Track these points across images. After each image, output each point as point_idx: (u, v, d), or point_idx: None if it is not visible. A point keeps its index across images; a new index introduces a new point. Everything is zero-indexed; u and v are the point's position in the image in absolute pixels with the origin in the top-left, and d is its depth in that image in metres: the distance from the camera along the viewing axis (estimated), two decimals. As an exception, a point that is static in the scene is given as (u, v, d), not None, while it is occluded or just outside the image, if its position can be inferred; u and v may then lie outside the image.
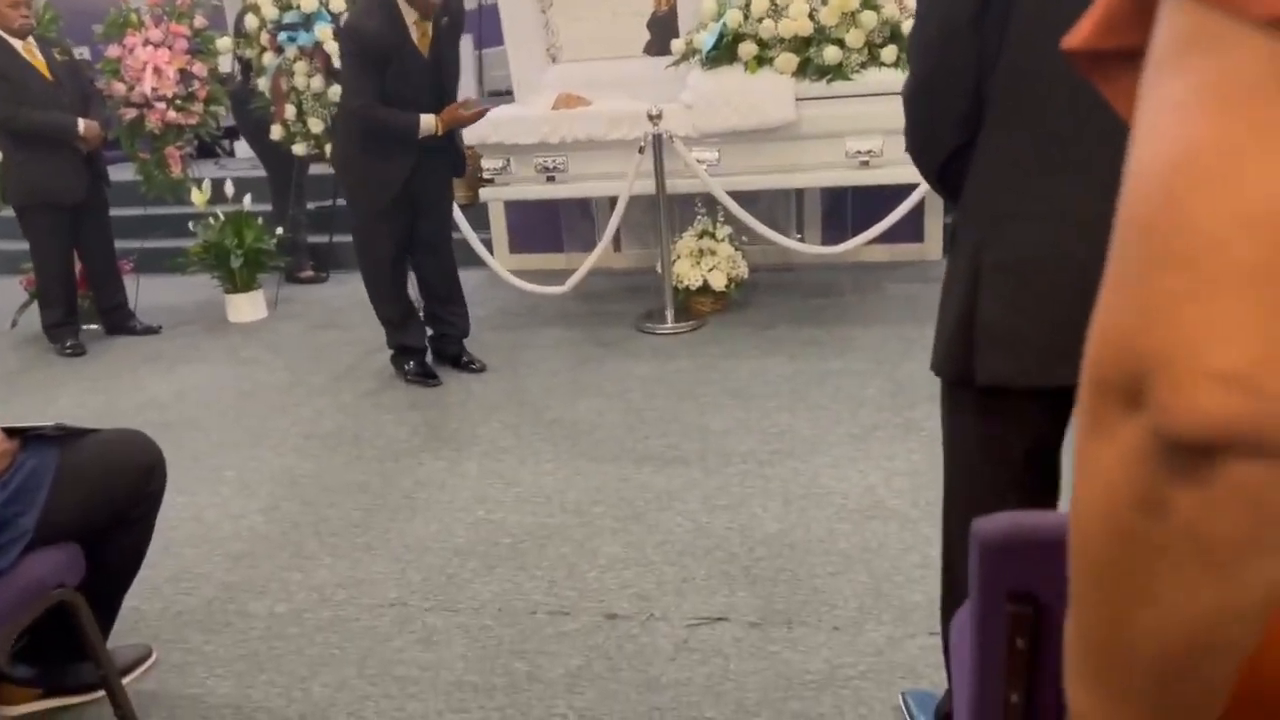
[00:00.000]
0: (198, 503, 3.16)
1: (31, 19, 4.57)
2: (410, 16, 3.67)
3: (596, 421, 3.57)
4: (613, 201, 4.66)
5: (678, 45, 4.57)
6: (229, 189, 5.17)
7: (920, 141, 1.55)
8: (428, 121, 3.72)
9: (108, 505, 2.11)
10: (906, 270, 5.12)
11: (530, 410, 3.72)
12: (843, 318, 4.51)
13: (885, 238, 4.69)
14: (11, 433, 2.04)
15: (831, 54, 4.20)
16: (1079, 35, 0.53)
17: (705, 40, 4.37)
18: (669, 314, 4.59)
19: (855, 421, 3.40)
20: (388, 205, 3.85)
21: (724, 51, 4.36)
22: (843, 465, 3.09)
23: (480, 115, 3.95)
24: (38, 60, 4.55)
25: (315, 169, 5.54)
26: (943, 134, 1.49)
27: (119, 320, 5.02)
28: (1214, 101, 0.42)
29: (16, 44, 4.50)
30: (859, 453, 3.17)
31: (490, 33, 6.98)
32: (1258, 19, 0.42)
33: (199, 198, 5.04)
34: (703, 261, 4.66)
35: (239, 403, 4.04)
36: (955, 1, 1.39)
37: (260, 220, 5.18)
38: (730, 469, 3.12)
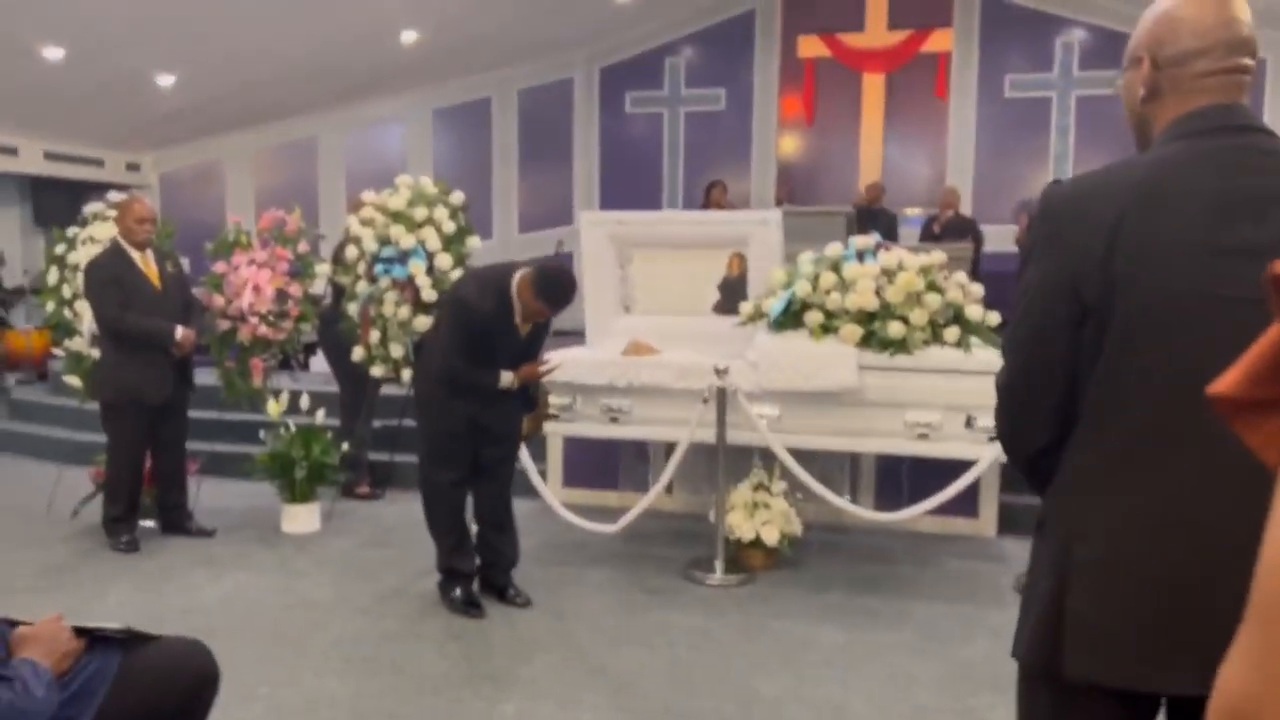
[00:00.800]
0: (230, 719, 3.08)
1: (153, 233, 4.95)
2: (518, 312, 3.92)
3: (640, 673, 3.48)
4: (669, 446, 4.75)
5: (746, 308, 4.79)
6: (304, 402, 5.36)
7: (1012, 432, 1.58)
8: (506, 378, 3.96)
9: (158, 714, 2.09)
10: (960, 545, 5.07)
11: (574, 653, 3.64)
12: (898, 589, 4.43)
13: (939, 510, 4.68)
14: (80, 632, 2.06)
15: (895, 329, 4.37)
16: (1227, 383, 0.58)
17: (774, 306, 4.58)
18: (718, 565, 4.56)
19: (912, 702, 3.27)
20: (457, 428, 3.98)
21: (790, 318, 4.56)
22: (896, 748, 2.96)
23: (551, 370, 4.18)
24: (150, 270, 4.89)
25: (385, 390, 5.75)
26: (1035, 427, 1.52)
27: (176, 520, 5.10)
28: None
29: (135, 254, 4.86)
30: (913, 735, 3.03)
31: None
32: None
33: (274, 409, 5.23)
34: (757, 514, 4.67)
35: (282, 616, 4.01)
36: (1053, 304, 1.44)
37: (329, 434, 5.33)
38: (778, 740, 3.00)
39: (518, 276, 3.89)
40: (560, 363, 4.26)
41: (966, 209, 10.00)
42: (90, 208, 5.58)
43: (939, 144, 10.88)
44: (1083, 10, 10.16)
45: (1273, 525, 0.54)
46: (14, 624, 2.00)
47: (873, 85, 11.02)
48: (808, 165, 11.29)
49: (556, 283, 3.82)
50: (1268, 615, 0.53)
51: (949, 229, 9.00)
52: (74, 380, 5.39)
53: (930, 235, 9.16)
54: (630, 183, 11.16)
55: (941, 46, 10.72)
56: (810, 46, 11.03)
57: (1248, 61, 1.43)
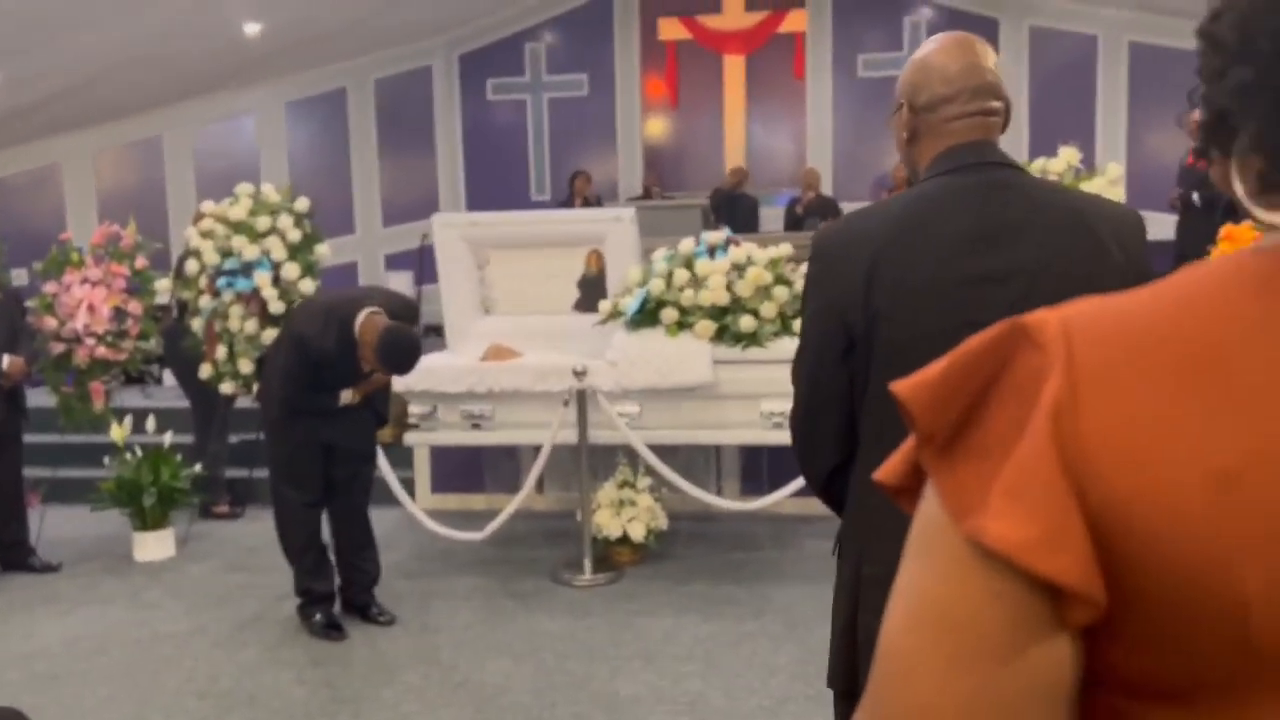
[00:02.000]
0: (72, 773, 2.96)
1: (-29, 257, 4.66)
2: (360, 353, 3.79)
3: (504, 685, 3.48)
4: (536, 448, 4.76)
5: (604, 306, 4.81)
6: (150, 424, 5.15)
7: (805, 458, 1.68)
8: (346, 396, 3.92)
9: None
10: (820, 525, 5.21)
11: (437, 671, 3.62)
12: (760, 574, 4.55)
13: (800, 493, 4.81)
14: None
15: (747, 323, 4.46)
16: (887, 471, 0.63)
17: (630, 305, 4.62)
18: (587, 564, 4.59)
19: (767, 692, 3.37)
20: (303, 448, 3.90)
21: (647, 315, 4.60)
22: (752, 741, 3.04)
23: (387, 380, 4.11)
24: (-29, 296, 4.60)
25: (241, 402, 5.57)
26: (824, 452, 1.63)
27: (17, 558, 4.84)
28: (917, 616, 0.56)
29: (-48, 280, 4.56)
30: (769, 727, 3.13)
31: (429, 271, 7.27)
32: (964, 534, 0.54)
33: (118, 433, 5.01)
34: (623, 511, 4.72)
35: (133, 653, 3.86)
36: (824, 339, 1.56)
37: (179, 456, 5.13)
38: (638, 743, 3.05)
39: (362, 316, 3.75)
40: (388, 375, 4.09)
41: (827, 188, 10.24)
42: (-99, 228, 5.20)
43: (799, 124, 11.10)
44: (927, -9, 10.48)
45: (894, 588, 0.59)
46: None
47: (733, 67, 11.14)
48: (674, 149, 11.37)
49: (400, 353, 3.71)
50: (873, 678, 0.58)
51: (811, 210, 9.21)
52: (-106, 415, 5.03)
53: (794, 217, 9.36)
54: (496, 172, 11.03)
55: (797, 27, 10.91)
56: (670, 29, 11.07)
57: (994, 104, 1.53)
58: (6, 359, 4.56)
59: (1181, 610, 0.51)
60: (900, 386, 0.59)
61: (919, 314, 1.47)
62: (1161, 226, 6.27)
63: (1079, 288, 0.79)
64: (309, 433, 3.88)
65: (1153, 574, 0.51)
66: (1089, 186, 4.34)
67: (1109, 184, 4.17)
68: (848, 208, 9.52)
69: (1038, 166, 4.53)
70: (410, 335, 3.82)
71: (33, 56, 8.03)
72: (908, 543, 0.59)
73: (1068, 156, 4.50)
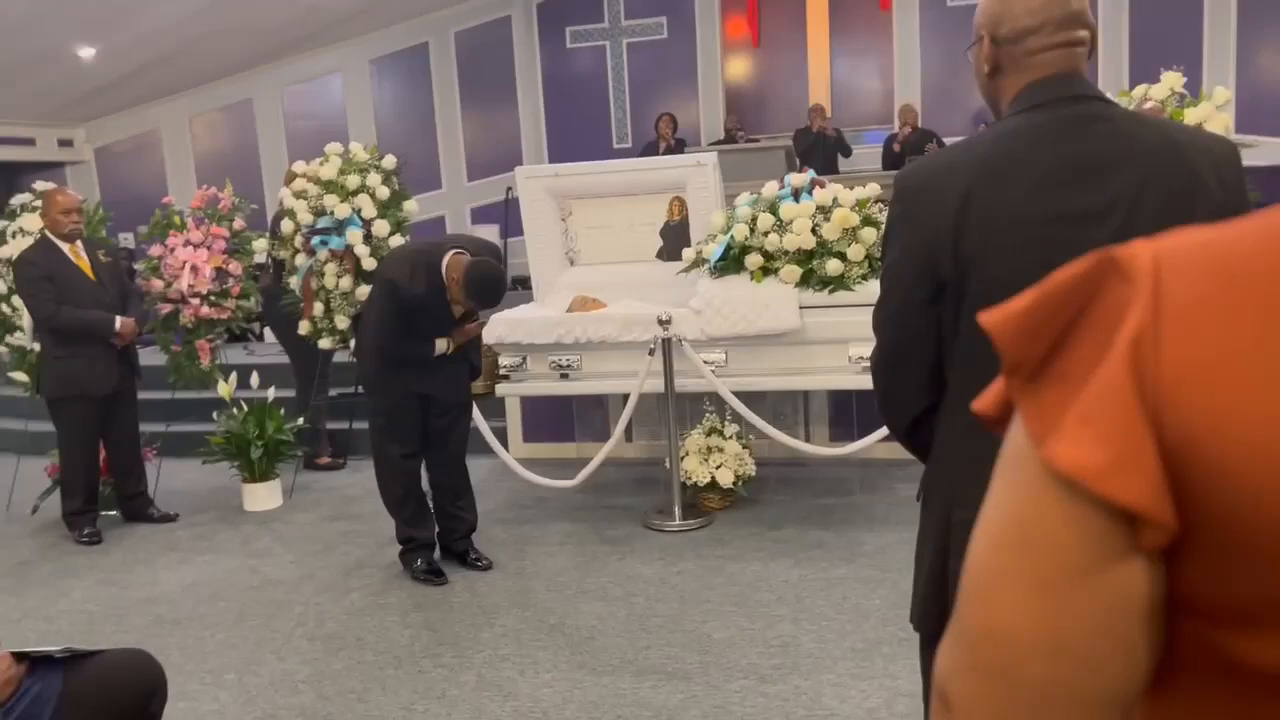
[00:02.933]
0: (197, 710, 3.15)
1: (81, 224, 4.87)
2: (450, 293, 3.89)
3: (599, 628, 3.57)
4: (625, 397, 4.81)
5: (688, 254, 4.79)
6: (254, 380, 5.35)
7: (888, 405, 1.66)
8: (441, 344, 3.98)
9: (105, 730, 2.14)
10: (912, 469, 5.14)
11: (533, 614, 3.73)
12: (850, 519, 4.54)
13: (891, 436, 4.76)
14: (20, 656, 2.10)
15: (834, 266, 4.39)
16: (984, 401, 0.64)
17: (714, 251, 4.59)
18: (676, 510, 4.64)
19: (860, 635, 3.38)
20: (401, 401, 4.01)
21: (731, 262, 4.57)
22: (845, 684, 3.06)
23: (482, 326, 4.18)
24: (82, 261, 4.83)
25: (338, 357, 5.74)
26: (908, 399, 1.60)
27: (138, 508, 5.12)
28: (998, 538, 0.58)
29: (65, 247, 4.79)
30: (862, 670, 3.14)
31: (514, 223, 7.33)
32: (1041, 457, 0.56)
33: (225, 390, 5.22)
34: (711, 458, 4.74)
35: (246, 598, 4.07)
36: (910, 282, 1.52)
37: (282, 410, 5.33)
38: (731, 685, 3.10)
39: (448, 258, 3.86)
40: (483, 320, 4.21)
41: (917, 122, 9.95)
42: (17, 198, 5.47)
43: (886, 58, 10.77)
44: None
45: (985, 507, 0.60)
46: (-49, 656, 2.03)
47: (816, 1, 10.85)
48: (756, 89, 11.16)
49: (486, 285, 3.81)
50: (963, 596, 0.60)
51: (910, 146, 8.96)
52: (20, 375, 5.34)
53: (892, 155, 9.12)
54: (578, 121, 11.00)
55: (883, -43, 10.55)
56: (751, -35, 10.82)
57: (1081, 33, 1.47)
58: (119, 320, 4.78)
59: (1253, 538, 0.52)
60: (988, 317, 0.60)
61: (1012, 253, 1.43)
62: (1275, 153, 5.94)
63: (1174, 221, 0.78)
64: (406, 386, 3.98)
65: (1225, 501, 0.52)
66: (1194, 112, 4.14)
67: (1215, 109, 3.97)
68: (949, 143, 9.27)
69: (1139, 92, 4.33)
70: (495, 268, 3.91)
71: (123, 29, 8.29)
72: (996, 467, 0.61)
73: (1171, 81, 4.29)
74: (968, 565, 0.60)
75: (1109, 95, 1.53)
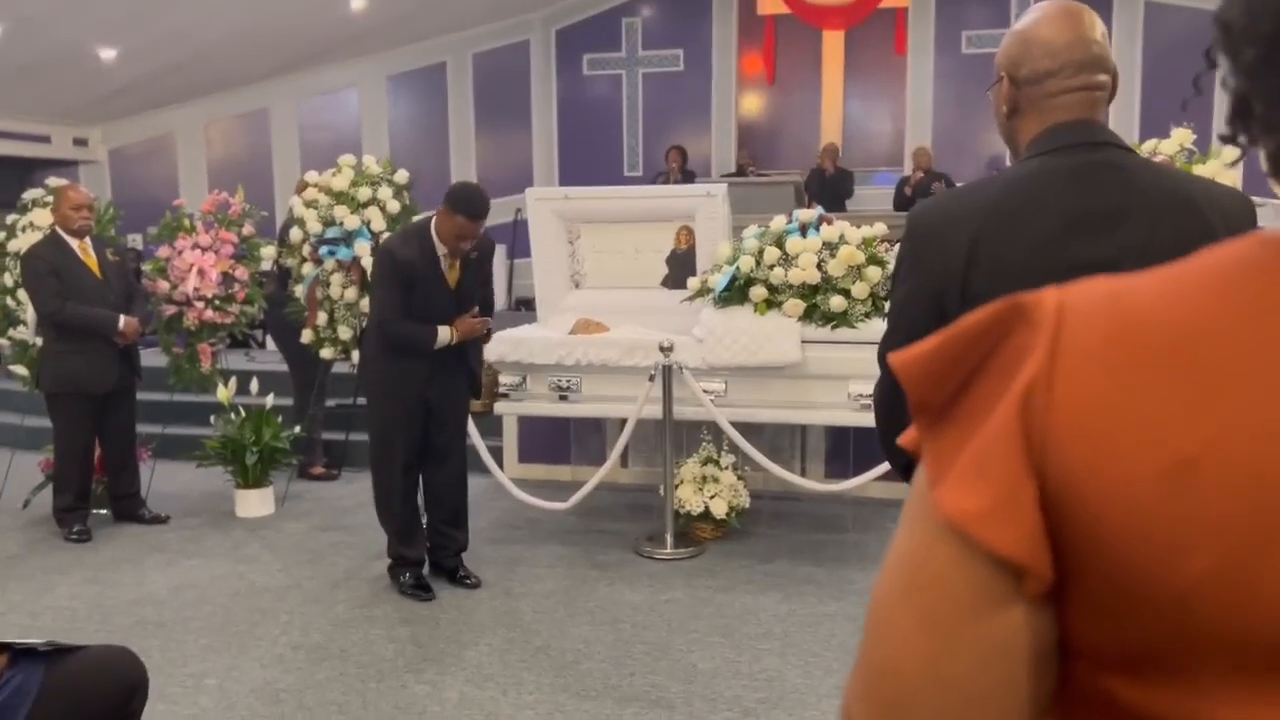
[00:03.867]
0: (177, 713, 3.13)
1: (90, 221, 4.89)
2: (441, 249, 3.94)
3: (584, 652, 3.54)
4: (622, 421, 4.81)
5: (693, 283, 4.81)
6: (254, 386, 5.35)
7: (889, 440, 1.66)
8: (444, 333, 3.96)
9: (83, 726, 2.12)
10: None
11: (519, 635, 3.70)
12: (842, 557, 4.52)
13: (887, 476, 4.76)
14: (2, 648, 2.08)
15: (837, 302, 4.41)
16: (907, 438, 0.65)
17: (719, 281, 4.61)
18: (668, 538, 4.62)
19: (846, 673, 3.35)
20: (404, 412, 4.00)
21: (735, 292, 4.59)
22: (829, 721, 3.04)
23: (486, 324, 4.16)
24: (90, 259, 4.85)
25: (338, 368, 5.75)
26: (901, 428, 1.60)
27: (129, 508, 5.10)
28: (895, 575, 0.59)
29: (73, 243, 4.81)
30: (846, 708, 3.11)
31: (522, 245, 7.36)
32: (931, 501, 0.57)
33: (224, 394, 5.22)
34: (705, 488, 4.73)
35: (232, 604, 4.04)
36: (917, 320, 1.51)
37: (280, 418, 5.33)
38: (715, 716, 3.07)
39: (435, 214, 3.98)
40: (490, 322, 4.20)
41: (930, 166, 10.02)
42: (29, 193, 5.49)
43: (899, 101, 10.87)
44: (1038, -36, 10.12)
45: (893, 542, 0.62)
46: (-68, 643, 2.02)
47: (833, 42, 10.96)
48: (769, 125, 11.25)
49: (466, 194, 3.91)
50: (865, 629, 0.61)
51: (921, 190, 9.01)
52: (20, 369, 5.35)
53: (903, 198, 9.16)
54: (590, 147, 11.08)
55: (899, 2, 10.66)
56: (769, 3, 10.92)
57: (1101, 78, 1.47)
58: (123, 319, 4.79)
59: (1131, 589, 0.53)
60: (895, 358, 0.60)
61: None
62: (1281, 213, 5.97)
63: None
64: (410, 392, 3.97)
65: (1105, 553, 0.53)
66: (1203, 169, 4.17)
67: (1224, 166, 3.99)
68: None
69: (1149, 147, 4.37)
70: (475, 184, 4.11)
71: (145, 32, 8.37)
72: (905, 503, 0.62)
73: (1180, 138, 4.33)
74: (871, 598, 0.61)
75: (1124, 143, 1.53)
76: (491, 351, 4.84)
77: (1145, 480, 0.52)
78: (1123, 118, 9.26)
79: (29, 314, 5.18)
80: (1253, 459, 0.50)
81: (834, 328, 4.44)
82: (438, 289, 3.97)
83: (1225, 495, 0.50)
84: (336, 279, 5.05)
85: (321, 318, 5.12)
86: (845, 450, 5.33)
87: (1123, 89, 1.53)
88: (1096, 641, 0.56)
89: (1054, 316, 0.56)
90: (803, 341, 4.46)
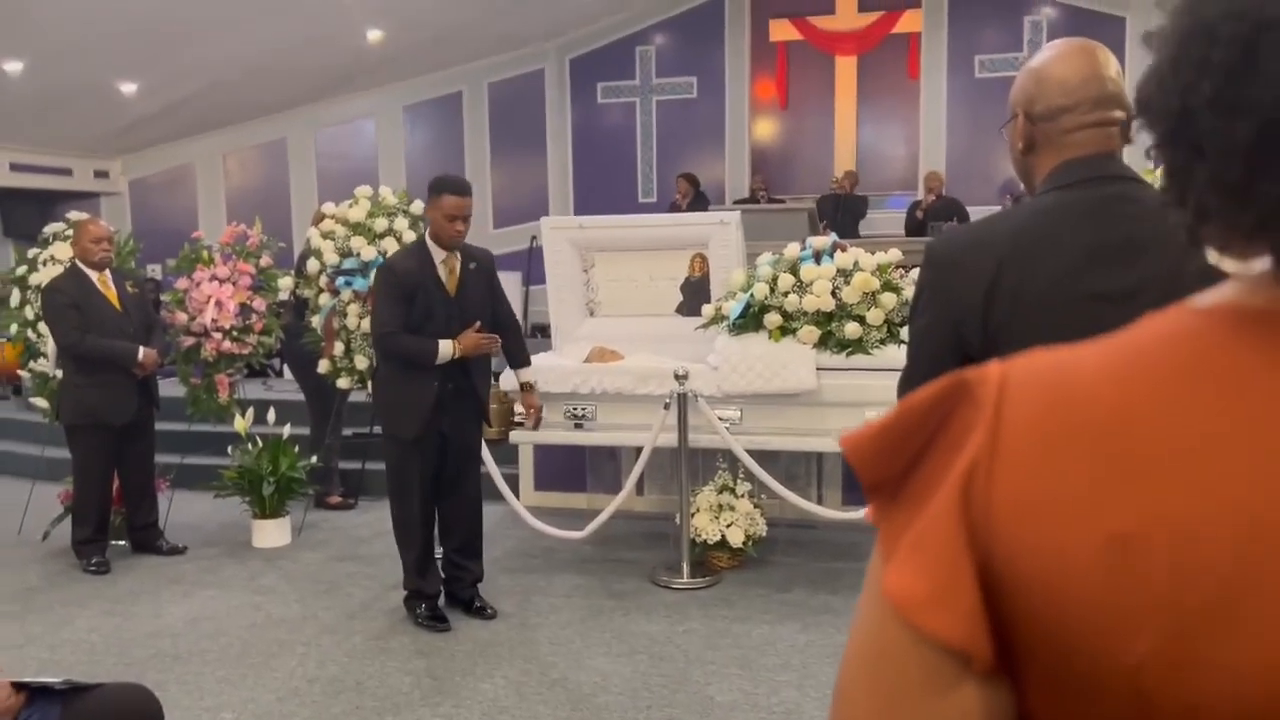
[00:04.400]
0: (191, 748, 3.12)
1: (110, 253, 4.95)
2: (439, 256, 3.98)
3: (601, 685, 3.52)
4: (638, 450, 4.80)
5: (707, 310, 4.81)
6: (271, 416, 5.38)
7: None
8: (445, 346, 3.92)
9: (99, 764, 2.12)
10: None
11: (535, 667, 3.69)
12: (860, 585, 4.43)
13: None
14: (19, 686, 2.09)
15: (852, 329, 4.40)
16: (868, 515, 0.64)
17: (733, 308, 4.61)
18: (685, 567, 4.60)
19: (864, 705, 3.32)
20: (417, 442, 3.99)
21: (750, 320, 4.59)
22: (848, 755, 3.00)
23: (493, 340, 4.09)
24: (109, 291, 4.89)
25: (354, 397, 5.77)
26: None
27: (147, 539, 5.12)
28: (857, 646, 0.60)
29: (93, 275, 4.86)
30: (866, 741, 3.08)
31: (537, 272, 7.40)
32: (880, 581, 0.57)
33: (241, 424, 5.25)
34: (722, 516, 4.71)
35: (248, 636, 4.04)
36: (937, 353, 1.51)
37: (296, 447, 5.35)
38: (732, 750, 3.05)
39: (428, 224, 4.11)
40: (497, 339, 4.13)
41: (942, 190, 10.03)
42: (51, 228, 5.56)
43: (912, 126, 10.88)
44: (1049, -11, 10.15)
45: (858, 608, 0.62)
46: (-49, 681, 2.03)
47: (845, 68, 10.99)
48: (782, 151, 11.28)
49: (444, 176, 4.05)
50: (833, 694, 0.61)
51: (934, 214, 9.01)
52: (41, 401, 5.39)
53: (915, 221, 9.16)
54: (604, 174, 11.13)
55: (912, 27, 10.70)
56: (781, 30, 10.99)
57: (1116, 114, 1.47)
58: (142, 351, 4.83)
59: (1083, 668, 0.53)
60: (845, 439, 0.61)
61: (1040, 332, 1.42)
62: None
63: None
64: (421, 420, 3.95)
65: (1055, 631, 0.53)
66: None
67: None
68: (974, 212, 9.30)
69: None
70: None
71: (164, 65, 8.50)
72: (865, 576, 0.63)
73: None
74: (838, 671, 0.62)
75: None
76: (507, 380, 4.85)
77: (1082, 557, 0.51)
78: (1138, 156, 9.23)
79: (50, 346, 5.22)
80: (1178, 544, 0.50)
81: (849, 354, 4.43)
82: (438, 297, 3.97)
83: (1158, 575, 0.50)
84: (353, 309, 5.07)
85: (338, 348, 5.14)
86: (862, 477, 5.30)
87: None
88: (1053, 717, 0.56)
89: (996, 392, 0.56)
90: (818, 368, 4.45)
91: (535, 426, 4.49)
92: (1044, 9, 10.18)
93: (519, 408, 4.97)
